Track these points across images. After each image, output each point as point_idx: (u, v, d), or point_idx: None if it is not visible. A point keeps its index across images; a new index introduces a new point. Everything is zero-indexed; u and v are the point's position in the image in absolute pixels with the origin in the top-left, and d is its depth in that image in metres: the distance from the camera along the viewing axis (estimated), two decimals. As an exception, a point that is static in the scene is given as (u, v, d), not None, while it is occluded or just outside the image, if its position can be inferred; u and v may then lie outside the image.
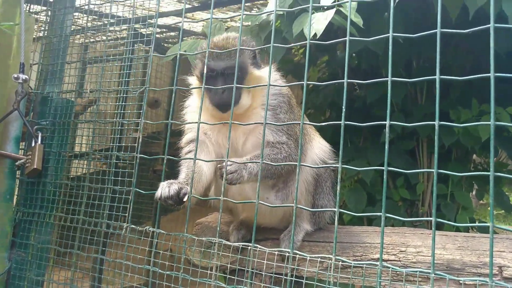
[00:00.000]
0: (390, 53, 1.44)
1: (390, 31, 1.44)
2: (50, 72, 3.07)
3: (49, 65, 3.08)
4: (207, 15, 4.71)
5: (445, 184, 3.90)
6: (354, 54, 4.13)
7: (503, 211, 5.37)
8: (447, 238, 2.08)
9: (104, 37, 3.11)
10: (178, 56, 2.09)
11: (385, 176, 1.39)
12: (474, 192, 4.78)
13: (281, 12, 3.07)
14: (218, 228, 1.76)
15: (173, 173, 2.14)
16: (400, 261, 2.01)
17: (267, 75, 2.01)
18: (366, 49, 3.24)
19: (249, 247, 1.70)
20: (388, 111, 1.41)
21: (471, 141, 3.60)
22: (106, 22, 3.00)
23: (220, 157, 2.15)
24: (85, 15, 3.18)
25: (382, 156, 4.53)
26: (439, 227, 3.16)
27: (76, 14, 3.30)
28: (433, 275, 1.29)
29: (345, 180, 4.19)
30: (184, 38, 5.19)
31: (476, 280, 1.34)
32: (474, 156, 4.48)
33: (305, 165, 1.73)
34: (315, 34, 2.65)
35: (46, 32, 3.18)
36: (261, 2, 4.54)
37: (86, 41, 3.42)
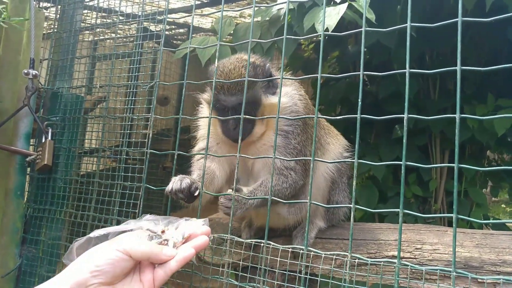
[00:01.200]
0: (408, 43, 1.40)
1: (408, 20, 1.39)
2: (60, 67, 3.06)
3: (59, 61, 3.07)
4: (216, 10, 4.68)
5: (459, 180, 3.84)
6: (365, 49, 4.07)
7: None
8: (465, 235, 2.02)
9: (113, 34, 3.09)
10: (188, 50, 2.06)
11: (403, 170, 1.35)
12: (488, 189, 4.71)
13: (292, 6, 3.03)
14: (230, 225, 1.73)
15: (182, 170, 2.10)
16: (415, 258, 1.96)
17: (282, 99, 1.91)
18: (377, 44, 3.18)
19: (262, 244, 1.66)
20: (406, 103, 1.37)
21: (486, 137, 3.53)
22: (115, 19, 2.98)
23: (231, 167, 2.09)
24: (94, 12, 3.17)
25: (394, 152, 4.45)
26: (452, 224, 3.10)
27: (85, 11, 3.29)
28: (454, 273, 1.24)
29: (356, 177, 4.14)
30: (193, 35, 5.17)
31: (499, 279, 1.29)
32: (488, 152, 4.41)
33: (320, 160, 1.68)
34: (327, 29, 2.60)
35: (55, 28, 3.17)
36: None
37: (95, 38, 3.40)
